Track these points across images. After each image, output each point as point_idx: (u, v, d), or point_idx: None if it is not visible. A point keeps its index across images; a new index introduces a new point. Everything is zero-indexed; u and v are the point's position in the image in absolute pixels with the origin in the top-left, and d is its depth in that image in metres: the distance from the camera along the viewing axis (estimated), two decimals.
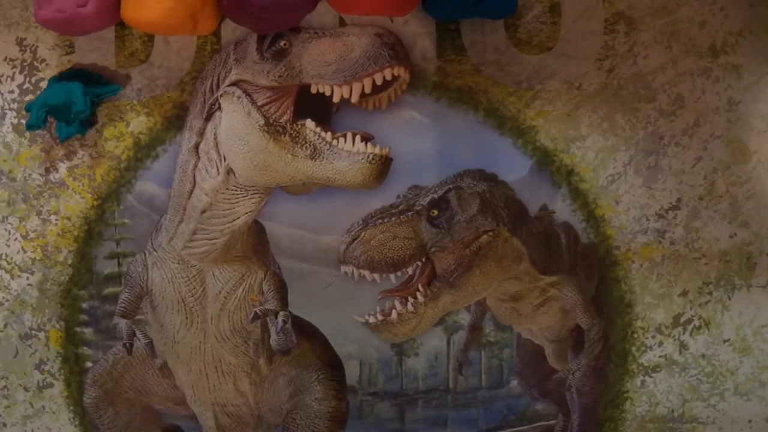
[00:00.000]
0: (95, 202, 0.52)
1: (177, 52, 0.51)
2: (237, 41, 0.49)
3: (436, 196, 0.51)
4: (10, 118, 0.52)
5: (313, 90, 0.47)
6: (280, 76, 0.47)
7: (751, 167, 0.48)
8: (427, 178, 0.51)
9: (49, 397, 0.56)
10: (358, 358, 0.56)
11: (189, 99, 0.51)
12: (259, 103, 0.48)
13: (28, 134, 0.52)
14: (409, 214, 0.52)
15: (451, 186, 0.52)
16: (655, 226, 0.48)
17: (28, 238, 0.52)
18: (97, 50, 0.51)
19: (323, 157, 0.47)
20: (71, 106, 0.49)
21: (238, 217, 0.51)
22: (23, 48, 0.52)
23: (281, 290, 0.59)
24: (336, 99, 0.47)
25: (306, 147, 0.47)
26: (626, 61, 0.48)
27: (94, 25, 0.47)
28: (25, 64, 0.52)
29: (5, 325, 0.54)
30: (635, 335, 0.50)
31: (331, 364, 0.58)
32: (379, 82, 0.46)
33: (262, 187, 0.50)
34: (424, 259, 0.55)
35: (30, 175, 0.52)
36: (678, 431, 0.51)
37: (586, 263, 0.55)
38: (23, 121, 0.52)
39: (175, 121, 0.51)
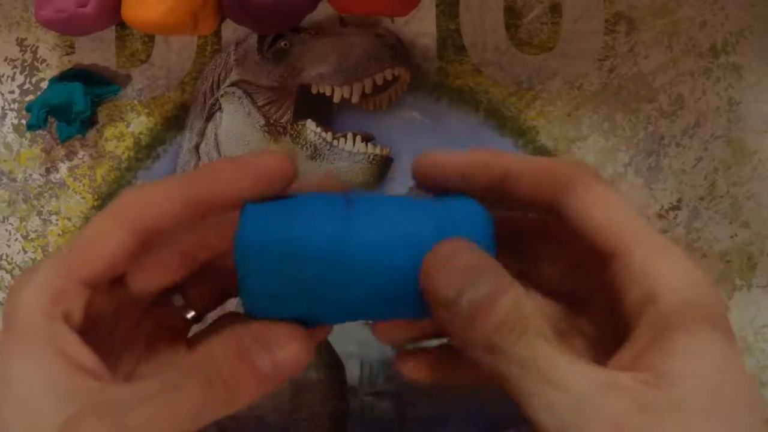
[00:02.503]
0: (96, 203, 0.52)
1: (177, 53, 0.50)
2: (237, 41, 0.49)
3: None
4: (11, 118, 0.52)
5: (314, 90, 0.47)
6: (280, 77, 0.47)
7: (752, 167, 0.48)
8: None
9: None
10: (359, 358, 0.56)
11: (189, 99, 0.51)
12: (260, 104, 0.48)
13: (28, 134, 0.52)
14: None
15: None
16: (655, 227, 0.48)
17: (29, 238, 0.52)
18: (97, 50, 0.51)
19: (324, 158, 0.47)
20: (72, 107, 0.49)
21: None
22: (24, 48, 0.52)
23: None
24: (336, 99, 0.46)
25: (307, 147, 0.47)
26: (627, 61, 0.48)
27: (94, 25, 0.47)
28: (25, 64, 0.52)
29: None
30: None
31: (332, 365, 0.58)
32: (379, 82, 0.46)
33: None
34: None
35: (30, 175, 0.52)
36: None
37: None
38: (24, 122, 0.52)
39: (176, 122, 0.51)
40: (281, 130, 0.47)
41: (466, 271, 0.20)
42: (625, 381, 0.19)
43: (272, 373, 0.21)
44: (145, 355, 0.27)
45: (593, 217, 0.22)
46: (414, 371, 0.28)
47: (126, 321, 0.26)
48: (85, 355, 0.22)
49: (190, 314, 0.28)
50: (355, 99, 0.46)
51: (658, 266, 0.21)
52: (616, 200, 0.23)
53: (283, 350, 0.21)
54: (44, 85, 0.51)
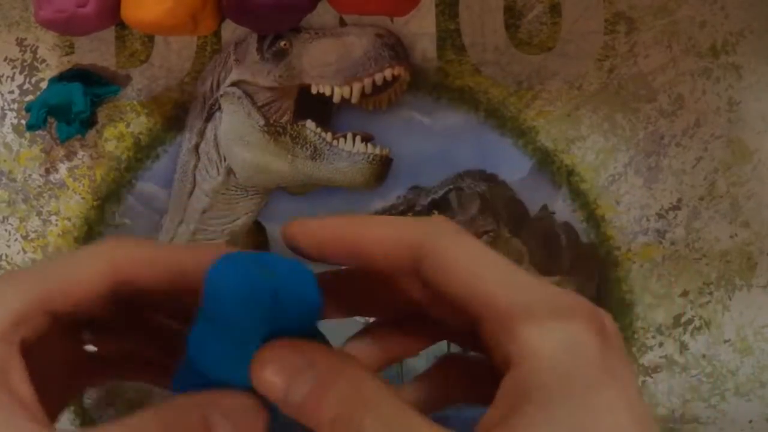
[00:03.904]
0: (95, 203, 0.52)
1: (177, 53, 0.50)
2: (237, 41, 0.49)
3: (436, 196, 0.51)
4: (10, 118, 0.52)
5: (314, 90, 0.47)
6: (280, 77, 0.47)
7: (752, 167, 0.48)
8: (427, 178, 0.51)
9: None
10: None
11: (189, 99, 0.50)
12: (260, 104, 0.48)
13: (28, 135, 0.52)
14: (410, 214, 0.52)
15: (451, 186, 0.51)
16: (655, 227, 0.48)
17: (29, 238, 0.52)
18: (97, 50, 0.51)
19: (324, 158, 0.47)
20: (71, 107, 0.49)
21: (238, 218, 0.51)
22: (23, 48, 0.52)
23: None
24: (336, 99, 0.46)
25: (306, 147, 0.47)
26: (627, 61, 0.48)
27: (94, 25, 0.47)
28: (25, 64, 0.52)
29: None
30: (636, 336, 0.50)
31: None
32: (379, 82, 0.46)
33: (262, 188, 0.50)
34: None
35: (30, 175, 0.52)
36: (679, 431, 0.51)
37: (586, 264, 0.55)
38: (23, 122, 0.52)
39: (176, 122, 0.51)
40: (281, 130, 0.47)
41: (285, 372, 0.20)
42: None
43: None
44: (65, 388, 0.26)
45: (449, 283, 0.21)
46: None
47: (53, 353, 0.25)
48: (26, 390, 0.21)
49: (91, 348, 0.26)
50: (355, 99, 0.46)
51: (517, 331, 0.20)
52: (469, 260, 0.21)
53: (249, 424, 0.21)
54: (44, 85, 0.51)
